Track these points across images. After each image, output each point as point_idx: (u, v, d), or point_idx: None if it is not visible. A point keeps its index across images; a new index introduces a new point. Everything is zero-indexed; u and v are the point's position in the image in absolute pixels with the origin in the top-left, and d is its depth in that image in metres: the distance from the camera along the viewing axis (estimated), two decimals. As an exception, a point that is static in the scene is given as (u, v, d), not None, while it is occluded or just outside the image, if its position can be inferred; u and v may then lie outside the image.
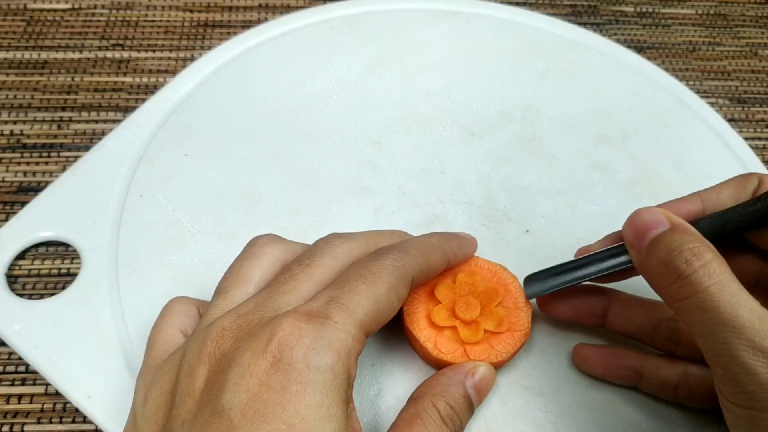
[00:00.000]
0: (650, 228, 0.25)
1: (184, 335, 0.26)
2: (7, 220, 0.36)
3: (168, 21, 0.49)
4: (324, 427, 0.21)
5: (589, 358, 0.31)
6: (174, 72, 0.45)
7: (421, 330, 0.29)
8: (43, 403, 0.33)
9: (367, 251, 0.27)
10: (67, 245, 0.36)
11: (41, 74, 0.45)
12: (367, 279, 0.24)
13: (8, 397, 0.33)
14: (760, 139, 0.46)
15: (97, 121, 0.43)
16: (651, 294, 0.27)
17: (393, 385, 0.30)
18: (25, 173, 0.40)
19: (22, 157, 0.41)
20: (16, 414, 0.32)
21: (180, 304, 0.28)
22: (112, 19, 0.49)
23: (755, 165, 0.41)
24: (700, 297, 0.23)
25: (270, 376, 0.21)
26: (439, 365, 0.29)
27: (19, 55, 0.46)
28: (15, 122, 0.43)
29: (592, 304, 0.31)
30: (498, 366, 0.29)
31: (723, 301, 0.22)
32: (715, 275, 0.23)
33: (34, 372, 0.33)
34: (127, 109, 0.43)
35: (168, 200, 0.37)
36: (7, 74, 0.45)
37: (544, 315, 0.32)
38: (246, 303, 0.24)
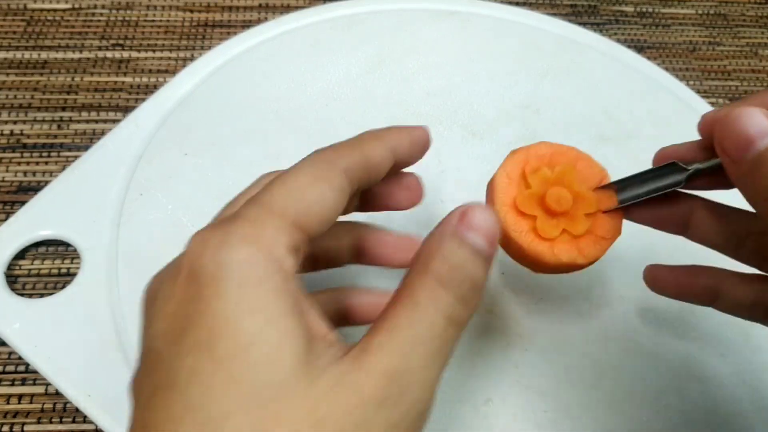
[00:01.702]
0: (754, 139, 0.22)
1: None
2: (6, 219, 0.36)
3: (168, 21, 0.49)
4: (249, 323, 0.18)
5: (661, 278, 0.29)
6: (174, 72, 0.45)
7: (506, 214, 0.27)
8: (43, 403, 0.33)
9: None
10: (66, 244, 0.36)
11: (41, 74, 0.45)
12: (283, 176, 0.22)
13: (8, 397, 0.33)
14: (760, 138, 0.46)
15: (97, 121, 0.43)
16: (738, 202, 0.25)
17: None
18: (25, 173, 0.40)
19: (22, 156, 0.41)
20: (16, 414, 0.32)
21: None
22: (112, 19, 0.49)
23: (756, 165, 0.40)
24: None
25: (185, 292, 0.19)
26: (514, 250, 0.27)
27: (19, 55, 0.46)
28: (15, 122, 0.43)
29: (674, 210, 0.28)
30: (578, 268, 0.28)
31: None
32: None
33: (34, 372, 0.33)
34: (127, 109, 0.43)
35: (168, 199, 0.36)
36: (7, 74, 0.45)
37: (544, 321, 0.32)
38: None
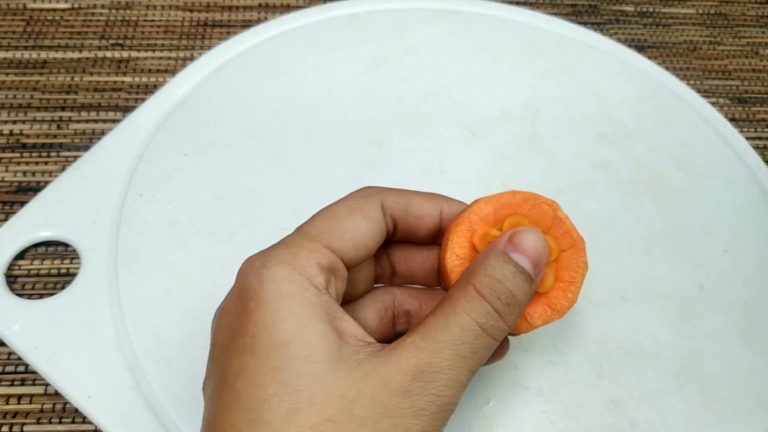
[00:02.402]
0: None
1: None
2: (6, 220, 0.36)
3: (168, 21, 0.49)
4: (285, 327, 0.21)
5: None
6: (174, 72, 0.45)
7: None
8: (43, 404, 0.33)
9: None
10: (66, 245, 0.36)
11: (41, 74, 0.45)
12: (325, 208, 0.25)
13: (8, 398, 0.33)
14: (761, 138, 0.46)
15: (96, 121, 0.43)
16: None
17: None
18: (24, 173, 0.40)
19: (21, 157, 0.41)
20: (15, 414, 0.32)
21: None
22: (112, 18, 0.49)
23: (756, 165, 0.40)
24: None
25: (236, 307, 0.22)
26: None
27: (18, 54, 0.46)
28: (14, 122, 0.43)
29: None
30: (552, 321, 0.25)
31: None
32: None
33: (34, 372, 0.33)
34: (127, 109, 0.43)
35: (167, 200, 0.36)
36: (7, 74, 0.45)
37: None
38: None
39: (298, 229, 0.24)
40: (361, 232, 0.24)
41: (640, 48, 0.50)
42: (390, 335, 0.27)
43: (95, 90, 0.45)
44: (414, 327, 0.22)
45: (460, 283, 0.23)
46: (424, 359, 0.21)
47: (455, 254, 0.25)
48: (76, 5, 0.50)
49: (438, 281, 0.28)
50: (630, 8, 0.53)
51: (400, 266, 0.28)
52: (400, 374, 0.20)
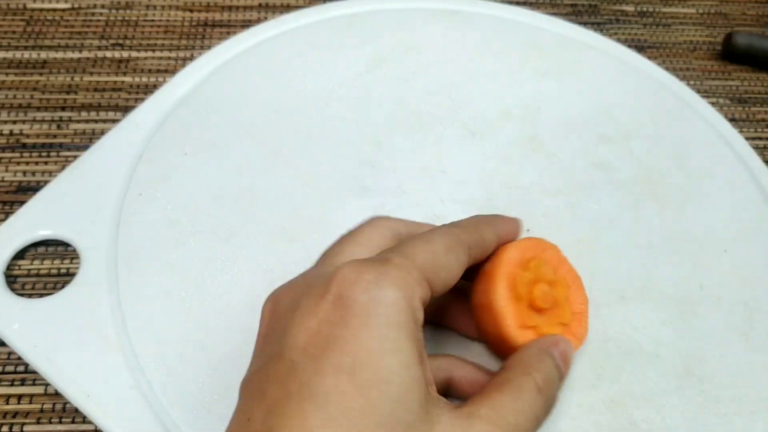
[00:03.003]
0: None
1: None
2: (6, 219, 0.36)
3: (168, 20, 0.49)
4: (390, 360, 0.20)
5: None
6: (173, 72, 0.45)
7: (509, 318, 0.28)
8: (43, 404, 0.33)
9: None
10: (66, 244, 0.36)
11: (41, 74, 0.45)
12: (423, 238, 0.25)
13: (8, 398, 0.33)
14: (761, 138, 0.46)
15: (96, 121, 0.43)
16: None
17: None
18: (24, 173, 0.40)
19: (21, 156, 0.41)
20: (15, 414, 0.32)
21: None
22: (112, 18, 0.49)
23: (757, 165, 0.40)
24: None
25: (330, 314, 0.21)
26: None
27: (18, 54, 0.46)
28: (14, 122, 0.43)
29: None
30: None
31: None
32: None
33: (34, 372, 0.33)
34: (127, 109, 0.43)
35: (167, 199, 0.36)
36: (7, 74, 0.45)
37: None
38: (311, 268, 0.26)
39: (400, 251, 0.23)
40: (453, 272, 0.25)
41: (640, 48, 0.50)
42: None
43: (95, 90, 0.45)
44: (478, 399, 0.23)
45: (520, 371, 0.25)
46: (493, 430, 0.22)
47: (503, 297, 0.27)
48: (76, 5, 0.50)
49: (453, 323, 0.31)
50: (630, 8, 0.54)
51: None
52: None
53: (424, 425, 0.20)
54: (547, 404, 0.24)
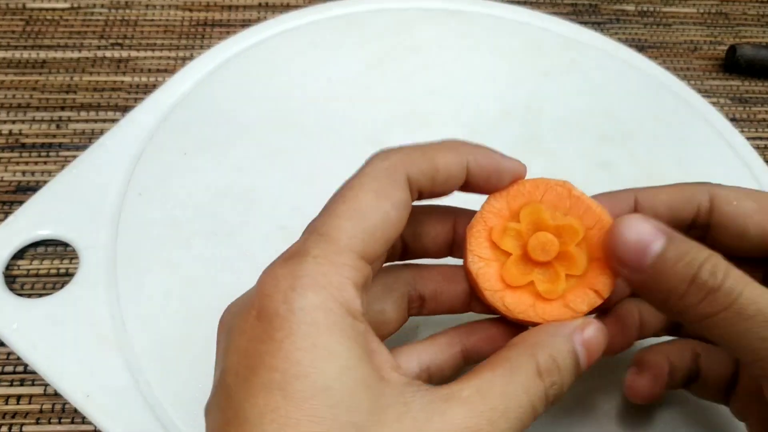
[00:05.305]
0: (649, 243, 0.22)
1: None
2: (5, 219, 0.36)
3: (167, 20, 0.49)
4: (325, 367, 0.19)
5: (642, 392, 0.27)
6: (173, 71, 0.45)
7: (492, 289, 0.24)
8: (42, 404, 0.32)
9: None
10: (65, 244, 0.36)
11: (40, 74, 0.45)
12: (346, 196, 0.22)
13: (7, 398, 0.33)
14: (761, 138, 0.46)
15: (95, 121, 0.43)
16: None
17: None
18: (23, 173, 0.40)
19: (20, 156, 0.41)
20: (15, 414, 0.32)
21: None
22: (111, 18, 0.49)
23: (757, 164, 0.40)
24: (739, 304, 0.20)
25: (257, 330, 0.19)
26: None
27: (17, 54, 0.46)
28: (14, 122, 0.43)
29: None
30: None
31: (763, 302, 0.20)
32: (742, 279, 0.21)
33: (33, 372, 0.33)
34: (126, 109, 0.43)
35: (167, 199, 0.36)
36: (6, 74, 0.45)
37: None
38: None
39: (321, 233, 0.21)
40: (391, 225, 0.21)
41: (641, 47, 0.50)
42: (403, 322, 0.26)
43: (94, 90, 0.45)
44: (466, 379, 0.21)
45: (524, 349, 0.22)
46: (482, 426, 0.19)
47: (477, 257, 0.24)
48: (75, 5, 0.50)
49: (452, 253, 0.26)
50: (630, 7, 0.53)
51: (412, 242, 0.25)
52: None
53: (382, 419, 0.19)
54: (549, 393, 0.21)
